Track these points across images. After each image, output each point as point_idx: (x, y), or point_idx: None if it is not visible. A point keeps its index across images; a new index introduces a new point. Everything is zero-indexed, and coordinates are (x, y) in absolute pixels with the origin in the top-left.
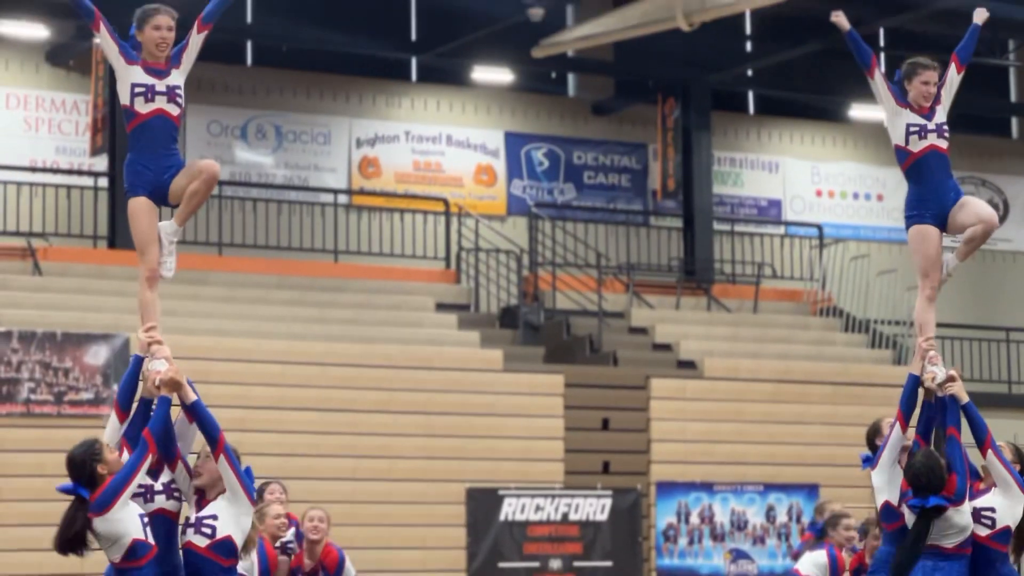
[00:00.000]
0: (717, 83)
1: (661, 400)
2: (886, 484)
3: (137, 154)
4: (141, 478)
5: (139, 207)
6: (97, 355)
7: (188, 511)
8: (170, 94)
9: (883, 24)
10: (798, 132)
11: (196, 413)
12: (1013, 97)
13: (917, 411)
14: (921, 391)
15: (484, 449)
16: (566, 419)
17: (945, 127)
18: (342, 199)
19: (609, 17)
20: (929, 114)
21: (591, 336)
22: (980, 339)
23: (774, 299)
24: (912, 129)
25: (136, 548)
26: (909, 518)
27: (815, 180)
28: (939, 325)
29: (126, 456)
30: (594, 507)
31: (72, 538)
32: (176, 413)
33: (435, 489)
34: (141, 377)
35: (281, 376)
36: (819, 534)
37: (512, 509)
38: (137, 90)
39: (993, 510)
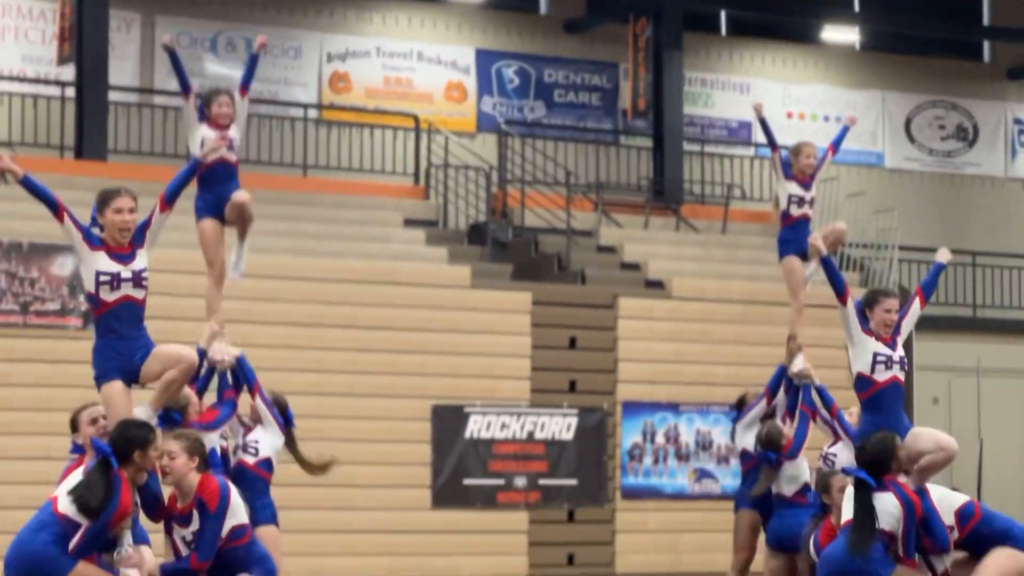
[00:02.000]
0: (689, 3)
1: (628, 319)
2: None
3: (105, 341)
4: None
5: (114, 392)
6: (64, 266)
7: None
8: (136, 279)
9: None
10: (770, 54)
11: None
12: (985, 20)
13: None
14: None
15: (450, 366)
16: (533, 337)
17: (905, 360)
18: (312, 114)
19: None
20: (892, 344)
21: (559, 254)
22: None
23: (743, 220)
24: (880, 359)
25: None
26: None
27: (786, 102)
28: (906, 248)
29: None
30: (560, 425)
31: None
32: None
33: (400, 406)
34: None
35: (249, 290)
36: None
37: (477, 426)
38: (102, 279)
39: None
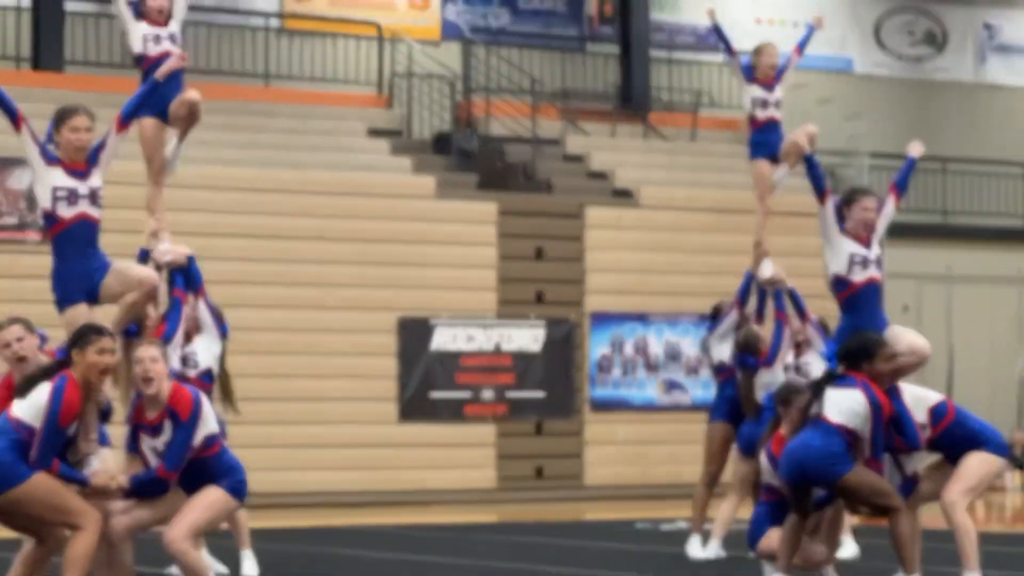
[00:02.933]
0: None
1: (596, 229)
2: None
3: (65, 262)
4: None
5: (79, 316)
6: (21, 180)
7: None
8: (92, 197)
9: None
10: None
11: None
12: None
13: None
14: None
15: (416, 278)
16: (500, 248)
17: (882, 259)
18: (273, 23)
19: None
20: (868, 244)
21: (525, 164)
22: (916, 169)
23: (712, 128)
24: (856, 259)
25: None
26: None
27: (755, 8)
28: (877, 155)
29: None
30: (527, 337)
31: None
32: None
33: (366, 318)
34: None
35: (211, 203)
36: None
37: (444, 339)
38: (59, 194)
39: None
